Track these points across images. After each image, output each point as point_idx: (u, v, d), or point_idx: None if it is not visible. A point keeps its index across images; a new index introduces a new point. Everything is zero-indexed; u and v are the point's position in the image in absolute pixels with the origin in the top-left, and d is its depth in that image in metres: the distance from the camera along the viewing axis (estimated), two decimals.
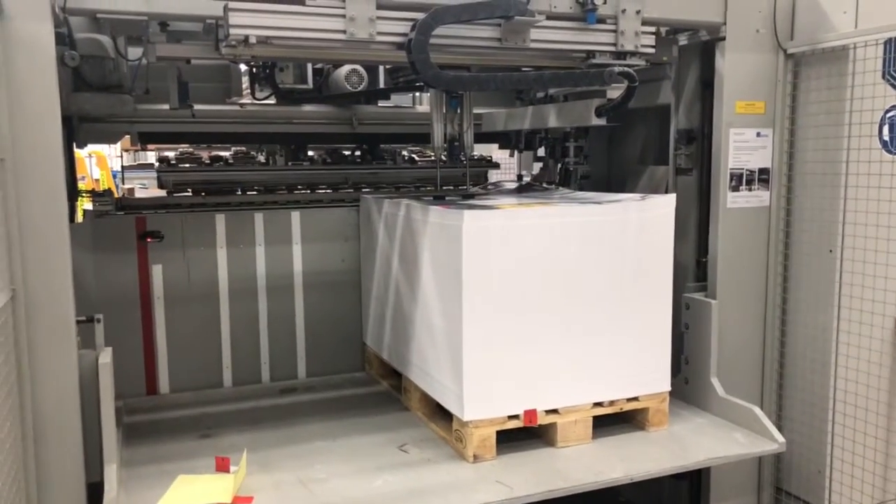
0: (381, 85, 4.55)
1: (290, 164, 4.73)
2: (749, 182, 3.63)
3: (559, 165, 4.37)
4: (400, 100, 5.01)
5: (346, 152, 5.11)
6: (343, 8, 2.89)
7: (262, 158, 5.09)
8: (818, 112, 3.52)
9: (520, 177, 5.07)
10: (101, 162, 13.79)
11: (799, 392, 3.70)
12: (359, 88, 4.39)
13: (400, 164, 4.99)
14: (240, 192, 4.45)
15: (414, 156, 5.25)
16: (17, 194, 2.60)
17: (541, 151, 4.88)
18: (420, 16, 2.95)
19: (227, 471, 3.03)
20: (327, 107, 4.59)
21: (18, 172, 2.60)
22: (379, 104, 4.84)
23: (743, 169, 3.60)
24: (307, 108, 4.56)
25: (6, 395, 2.42)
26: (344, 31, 2.91)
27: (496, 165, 5.40)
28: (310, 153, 4.97)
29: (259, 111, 4.47)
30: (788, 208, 3.69)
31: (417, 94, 4.97)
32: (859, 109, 3.32)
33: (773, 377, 3.77)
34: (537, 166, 5.03)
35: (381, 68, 4.51)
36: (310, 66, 4.37)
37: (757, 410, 3.40)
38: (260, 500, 2.82)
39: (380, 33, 2.95)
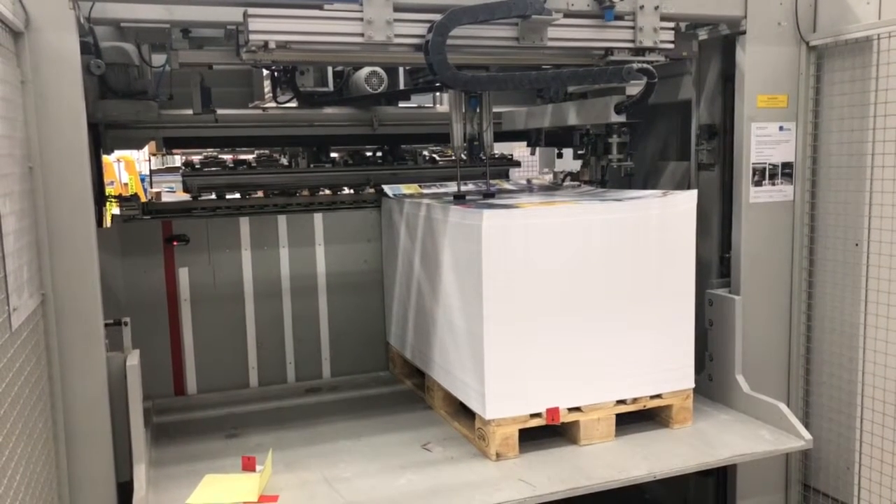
0: (401, 86, 4.56)
1: (312, 166, 4.76)
2: (772, 176, 3.59)
3: (601, 163, 4.29)
4: (421, 100, 5.03)
5: (368, 153, 5.14)
6: (360, 11, 2.92)
7: (284, 161, 5.13)
8: (842, 105, 3.47)
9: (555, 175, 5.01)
10: (129, 166, 14.02)
11: (826, 388, 3.65)
12: (379, 90, 4.41)
13: (421, 164, 5.00)
14: (263, 195, 4.50)
15: (435, 156, 5.26)
16: (45, 200, 2.67)
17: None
18: (437, 17, 2.97)
19: (254, 470, 3.07)
20: (348, 109, 4.62)
21: (47, 179, 2.66)
22: (399, 105, 4.86)
23: (766, 163, 3.57)
24: (328, 110, 4.60)
25: (38, 397, 2.48)
26: (362, 35, 2.93)
27: (517, 164, 5.39)
28: (332, 155, 5.00)
29: (280, 114, 4.51)
30: (813, 202, 3.64)
31: (438, 94, 4.98)
32: (884, 101, 3.27)
33: (799, 373, 3.73)
34: (569, 164, 4.97)
35: (400, 69, 4.53)
36: (330, 68, 4.40)
37: (783, 407, 3.37)
38: (285, 498, 2.86)
39: (397, 35, 2.98)
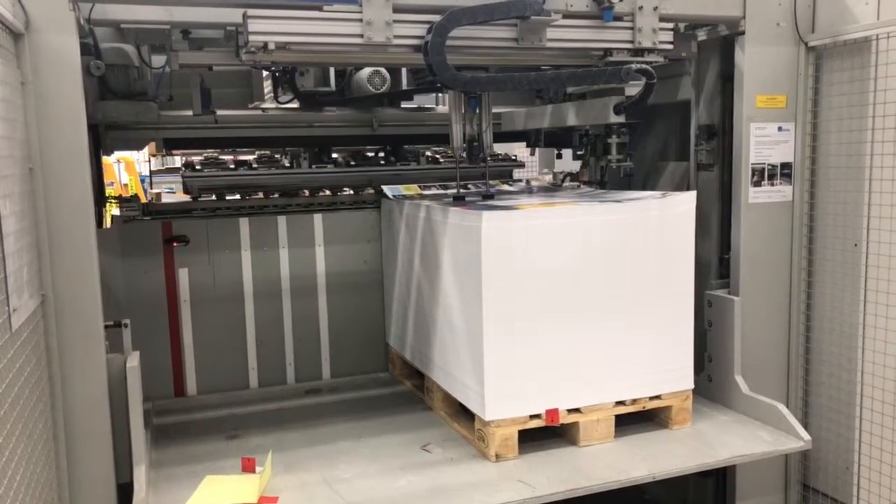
0: (405, 86, 4.54)
1: (313, 166, 4.75)
2: (771, 177, 3.59)
3: (600, 164, 4.23)
4: (423, 100, 5.02)
5: (370, 154, 5.12)
6: (360, 12, 2.92)
7: (286, 162, 5.11)
8: (841, 105, 3.47)
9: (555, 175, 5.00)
10: (129, 167, 14.02)
11: (825, 388, 3.65)
12: (381, 90, 4.40)
13: (424, 165, 4.97)
14: (263, 196, 4.50)
15: (438, 156, 5.23)
16: (46, 202, 2.67)
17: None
18: (436, 18, 2.97)
19: (253, 471, 3.08)
20: (347, 110, 4.62)
21: (47, 180, 2.67)
22: (401, 106, 4.86)
23: (765, 164, 3.57)
24: (327, 111, 4.59)
25: (38, 399, 2.48)
26: (361, 36, 2.94)
27: (521, 164, 5.37)
28: (333, 155, 4.98)
29: (280, 115, 4.52)
30: (812, 203, 3.65)
31: (440, 94, 4.97)
32: (883, 101, 3.28)
33: (798, 373, 3.73)
34: (568, 165, 4.97)
35: (403, 69, 4.52)
36: (332, 68, 4.40)
37: (782, 408, 3.37)
38: (285, 499, 2.86)
39: (396, 37, 2.98)
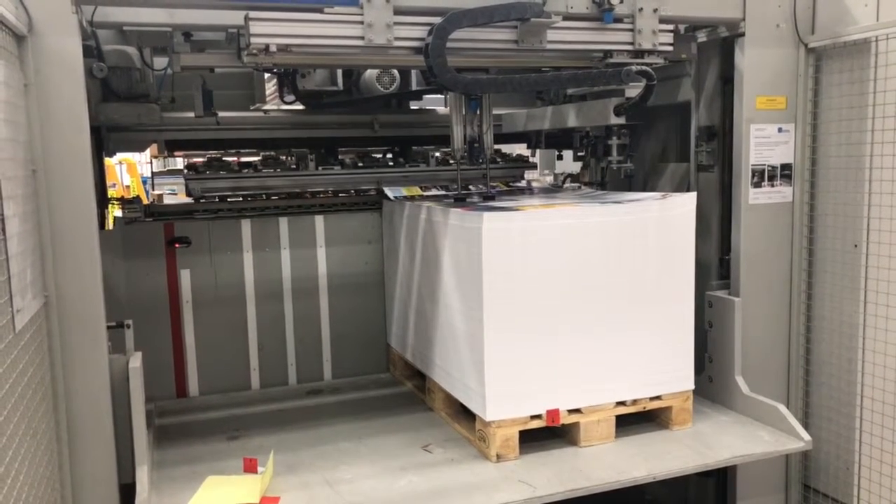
0: (415, 84, 4.53)
1: (320, 168, 4.73)
2: (771, 178, 3.60)
3: (601, 165, 4.21)
4: (434, 100, 5.01)
5: (378, 155, 5.10)
6: (361, 15, 2.94)
7: (292, 163, 5.07)
8: (841, 106, 3.48)
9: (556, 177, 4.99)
10: (131, 169, 14.06)
11: (826, 388, 3.66)
12: (390, 89, 4.39)
13: (433, 167, 4.93)
14: (265, 197, 4.50)
15: (448, 157, 5.19)
16: (48, 203, 2.68)
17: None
18: (437, 20, 2.99)
19: (255, 472, 3.08)
20: (348, 111, 4.61)
21: (50, 182, 2.68)
22: (409, 107, 4.85)
23: (765, 165, 3.58)
24: (328, 113, 4.59)
25: (41, 399, 2.50)
26: (362, 38, 2.95)
27: (533, 166, 5.36)
28: (340, 157, 4.95)
29: (281, 117, 4.53)
30: (812, 203, 3.66)
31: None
32: (882, 103, 3.28)
33: (798, 374, 3.74)
34: (569, 166, 4.98)
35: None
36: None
37: (782, 408, 3.38)
38: (287, 500, 2.87)
39: (397, 38, 2.99)
